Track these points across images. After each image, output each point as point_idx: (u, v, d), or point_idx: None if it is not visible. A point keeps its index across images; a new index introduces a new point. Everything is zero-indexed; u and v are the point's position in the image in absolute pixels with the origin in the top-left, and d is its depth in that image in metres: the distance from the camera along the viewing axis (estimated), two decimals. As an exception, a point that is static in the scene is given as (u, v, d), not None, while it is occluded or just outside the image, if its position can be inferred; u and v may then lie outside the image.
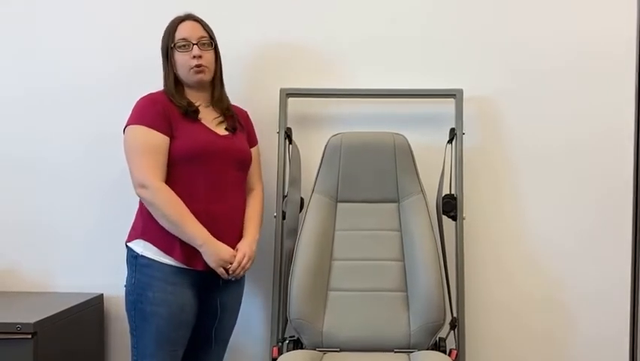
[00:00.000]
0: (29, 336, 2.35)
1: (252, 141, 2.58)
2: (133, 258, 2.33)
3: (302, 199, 2.70)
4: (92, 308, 2.77)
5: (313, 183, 2.64)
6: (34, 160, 2.87)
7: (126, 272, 2.35)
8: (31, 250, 2.87)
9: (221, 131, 2.41)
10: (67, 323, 2.57)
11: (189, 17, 2.43)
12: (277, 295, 2.64)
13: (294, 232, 2.63)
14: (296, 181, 2.69)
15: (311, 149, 2.75)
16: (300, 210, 2.68)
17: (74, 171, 2.86)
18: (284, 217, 2.67)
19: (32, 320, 2.36)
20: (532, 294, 2.78)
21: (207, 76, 2.41)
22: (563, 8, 2.76)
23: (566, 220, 2.77)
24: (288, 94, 2.73)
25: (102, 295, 2.83)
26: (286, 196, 2.68)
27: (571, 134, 2.76)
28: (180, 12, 2.45)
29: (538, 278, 2.77)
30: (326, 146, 2.64)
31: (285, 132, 2.71)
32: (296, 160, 2.71)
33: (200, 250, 2.28)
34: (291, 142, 2.73)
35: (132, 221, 2.41)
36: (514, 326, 2.79)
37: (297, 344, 2.54)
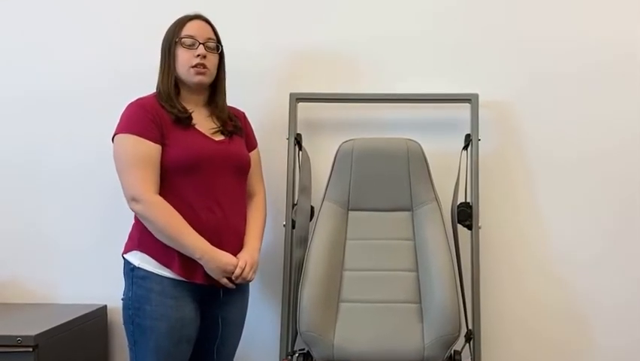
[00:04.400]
0: (30, 349, 2.31)
1: (251, 143, 2.51)
2: (130, 270, 2.26)
3: (312, 208, 2.66)
4: (95, 320, 2.74)
5: (324, 191, 2.60)
6: (35, 168, 2.85)
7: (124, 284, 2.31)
8: (33, 261, 2.85)
9: (217, 136, 2.35)
10: (70, 336, 2.54)
11: (199, 17, 2.37)
12: (287, 307, 2.60)
13: (304, 242, 2.59)
14: (306, 189, 2.65)
15: (321, 155, 2.73)
16: (311, 219, 2.64)
17: (77, 179, 2.84)
18: (293, 226, 2.63)
19: (33, 333, 2.33)
20: (551, 306, 2.74)
21: (207, 78, 2.34)
22: (581, 11, 2.73)
23: (585, 229, 2.73)
24: (298, 99, 2.70)
25: (105, 306, 2.80)
26: (296, 204, 2.65)
27: (590, 140, 2.72)
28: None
29: (557, 289, 2.73)
30: (337, 152, 2.60)
31: (295, 138, 2.68)
32: (306, 167, 2.67)
33: (201, 262, 2.21)
34: (301, 148, 2.70)
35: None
36: (532, 339, 2.75)
37: (307, 357, 2.50)
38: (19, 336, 2.30)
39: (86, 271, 2.82)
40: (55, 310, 2.70)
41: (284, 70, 2.78)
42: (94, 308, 2.72)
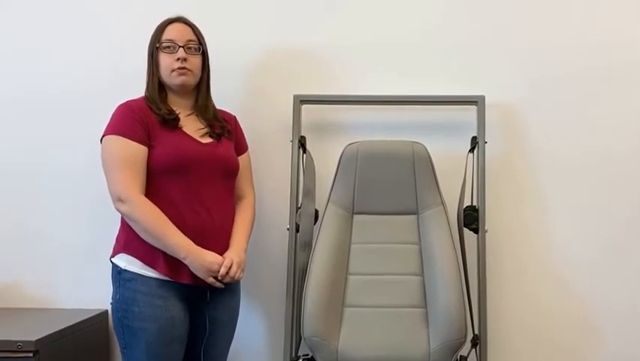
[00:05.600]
0: (31, 354, 2.30)
1: (241, 147, 2.51)
2: (117, 273, 2.27)
3: (316, 211, 2.63)
4: (97, 325, 2.72)
5: (328, 194, 2.58)
6: (35, 170, 2.83)
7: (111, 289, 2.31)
8: (33, 264, 2.82)
9: (205, 139, 2.35)
10: (71, 341, 2.52)
11: (179, 20, 2.38)
12: (290, 312, 2.58)
13: (308, 246, 2.57)
14: (310, 192, 2.63)
15: (326, 158, 2.70)
16: (315, 223, 2.62)
17: (77, 181, 2.82)
18: (297, 230, 2.62)
19: (34, 338, 2.31)
20: (558, 311, 2.71)
21: (191, 79, 2.35)
22: (588, 13, 2.70)
23: (593, 233, 2.69)
24: (302, 101, 2.67)
25: (107, 311, 2.77)
26: (300, 208, 2.63)
27: (598, 142, 2.69)
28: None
29: (564, 294, 2.70)
30: (341, 155, 2.58)
31: (299, 141, 2.66)
32: (310, 170, 2.65)
33: (186, 262, 2.21)
34: (305, 151, 2.67)
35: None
36: (539, 344, 2.72)
37: (311, 363, 2.48)
38: (20, 341, 2.28)
39: (87, 275, 2.80)
40: (55, 314, 2.68)
41: (288, 71, 2.75)
42: (95, 313, 2.71)
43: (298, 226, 2.61)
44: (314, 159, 2.67)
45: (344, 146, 2.58)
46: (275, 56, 2.75)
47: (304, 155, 2.66)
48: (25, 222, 2.83)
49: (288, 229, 2.62)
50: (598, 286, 2.69)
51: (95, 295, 2.77)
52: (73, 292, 2.81)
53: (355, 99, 2.68)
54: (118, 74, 2.79)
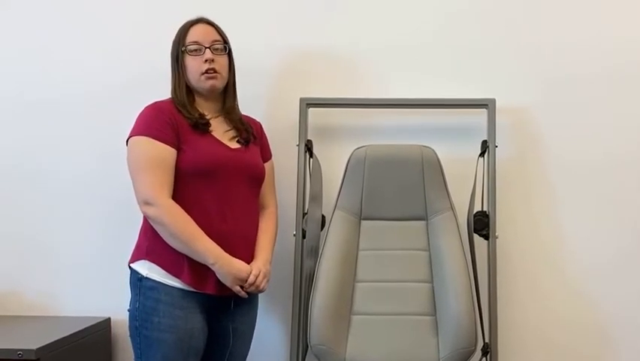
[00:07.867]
0: None
1: (266, 154, 2.50)
2: (137, 280, 2.23)
3: (323, 217, 2.61)
4: (99, 333, 2.70)
5: (335, 200, 2.56)
6: (36, 176, 2.82)
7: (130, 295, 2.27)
8: (34, 271, 2.81)
9: (233, 144, 2.33)
10: (72, 349, 2.50)
11: (202, 20, 2.35)
12: (297, 319, 2.56)
13: (315, 252, 2.54)
14: (317, 197, 2.60)
15: (333, 163, 2.68)
16: (322, 229, 2.60)
17: (80, 187, 2.80)
18: (304, 236, 2.60)
19: (35, 346, 2.30)
20: (570, 318, 2.68)
21: (220, 83, 2.32)
22: (599, 14, 2.68)
23: (606, 239, 2.67)
24: (308, 104, 2.66)
25: (109, 319, 2.76)
26: (306, 213, 2.61)
27: (611, 146, 2.66)
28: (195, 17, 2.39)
29: (577, 301, 2.67)
30: (349, 159, 2.56)
31: (306, 145, 2.64)
32: (317, 175, 2.63)
33: (214, 269, 2.18)
34: (311, 155, 2.65)
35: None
36: (551, 352, 2.69)
37: (317, 372, 2.46)
38: (20, 350, 2.27)
39: (89, 282, 2.79)
40: (57, 322, 2.67)
41: (294, 74, 2.74)
42: (97, 321, 2.69)
43: (305, 231, 2.59)
44: (321, 163, 2.65)
45: (351, 150, 2.56)
46: (281, 59, 2.74)
47: (311, 159, 2.64)
48: (25, 228, 2.81)
49: (294, 234, 2.61)
50: (611, 292, 2.66)
51: (96, 303, 2.77)
52: (74, 300, 2.79)
53: (363, 102, 2.66)
54: (119, 75, 2.78)
